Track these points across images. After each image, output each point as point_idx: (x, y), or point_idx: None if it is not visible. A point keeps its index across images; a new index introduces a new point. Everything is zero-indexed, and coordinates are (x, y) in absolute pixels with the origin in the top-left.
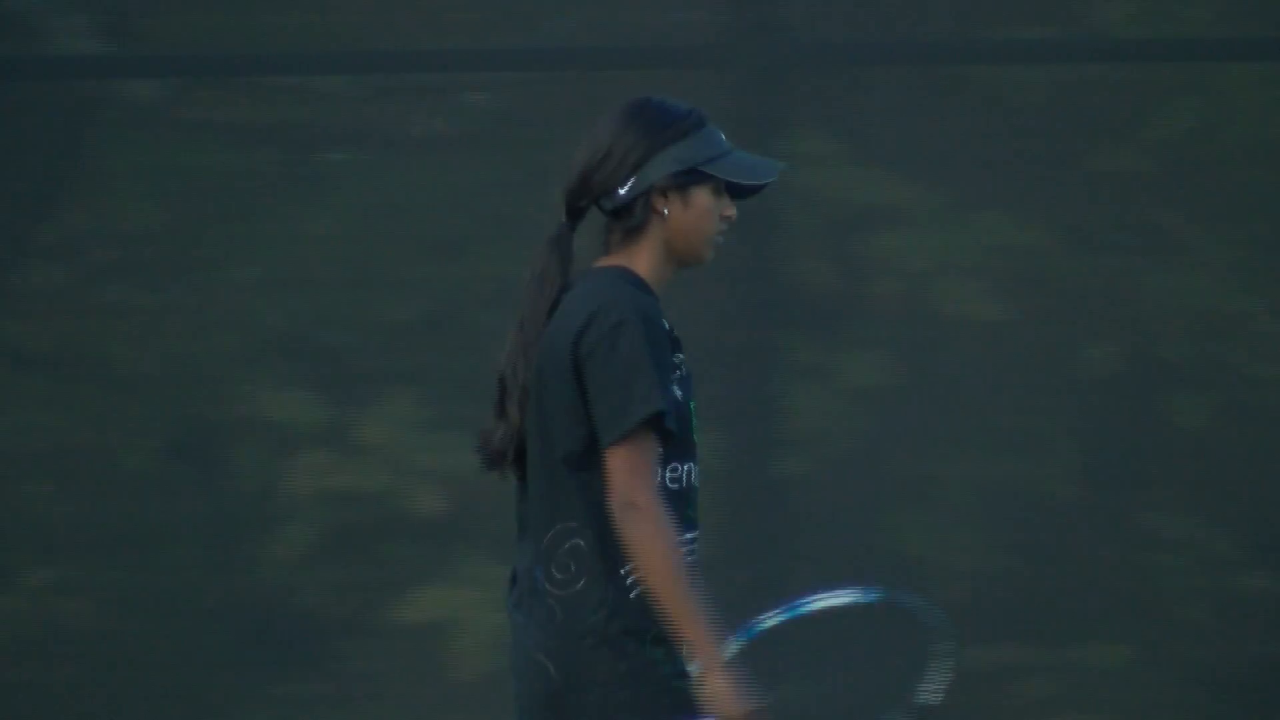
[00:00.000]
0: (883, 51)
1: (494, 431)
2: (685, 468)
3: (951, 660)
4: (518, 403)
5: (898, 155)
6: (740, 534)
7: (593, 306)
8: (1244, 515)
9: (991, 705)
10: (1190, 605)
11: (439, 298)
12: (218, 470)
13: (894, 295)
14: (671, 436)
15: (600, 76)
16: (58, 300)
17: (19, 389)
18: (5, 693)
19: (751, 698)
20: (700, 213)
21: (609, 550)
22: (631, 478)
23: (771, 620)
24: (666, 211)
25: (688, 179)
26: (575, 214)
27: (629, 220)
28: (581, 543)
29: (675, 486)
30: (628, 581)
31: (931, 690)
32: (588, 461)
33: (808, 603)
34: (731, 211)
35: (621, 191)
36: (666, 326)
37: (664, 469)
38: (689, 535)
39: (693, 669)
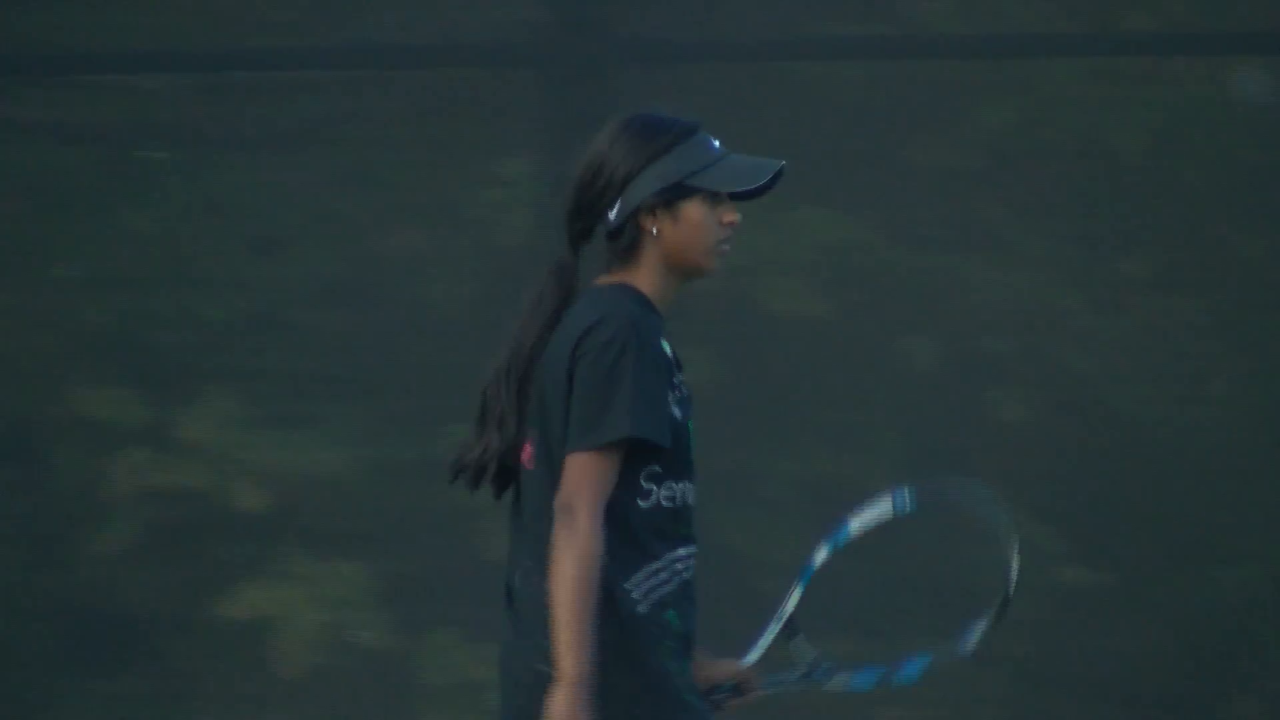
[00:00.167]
0: (703, 49)
1: (471, 447)
2: (681, 486)
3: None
4: (497, 423)
5: None
6: None
7: (594, 317)
8: (1065, 509)
9: (816, 699)
10: (1013, 599)
11: (261, 296)
12: (38, 468)
13: (716, 292)
14: (661, 453)
15: (422, 75)
16: None
17: None
18: None
19: None
20: (693, 226)
21: (615, 563)
22: (579, 488)
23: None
24: (656, 230)
25: (674, 194)
26: (576, 239)
27: (621, 242)
28: None
29: (670, 505)
30: (634, 595)
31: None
32: None
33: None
34: (733, 217)
35: (611, 215)
36: (666, 347)
37: (659, 487)
38: (684, 551)
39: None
